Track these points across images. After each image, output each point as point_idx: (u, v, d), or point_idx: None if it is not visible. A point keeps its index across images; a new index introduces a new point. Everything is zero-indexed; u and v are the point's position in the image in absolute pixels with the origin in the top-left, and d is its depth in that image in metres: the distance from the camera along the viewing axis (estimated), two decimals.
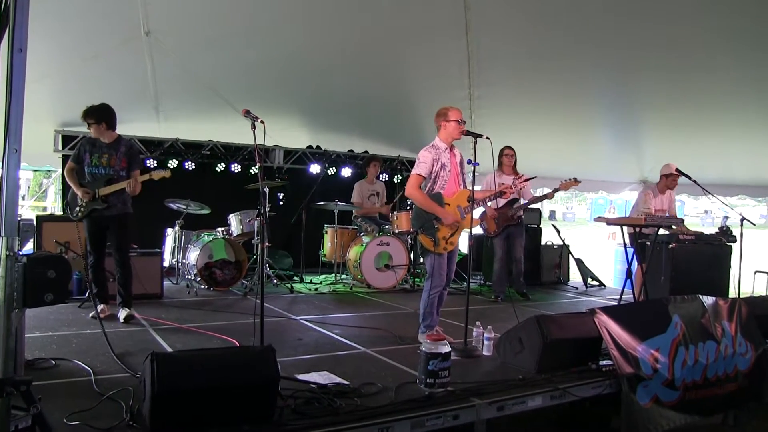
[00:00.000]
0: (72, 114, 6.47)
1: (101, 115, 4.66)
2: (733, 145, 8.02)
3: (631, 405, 3.34)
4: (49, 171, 13.28)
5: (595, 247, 15.17)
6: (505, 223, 6.51)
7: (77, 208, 4.72)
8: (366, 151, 9.02)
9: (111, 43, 6.16)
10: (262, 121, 3.66)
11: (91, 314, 4.70)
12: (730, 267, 6.30)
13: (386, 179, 8.86)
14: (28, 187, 24.08)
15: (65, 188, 6.69)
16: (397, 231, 6.97)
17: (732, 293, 6.07)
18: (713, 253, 6.20)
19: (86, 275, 4.97)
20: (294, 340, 4.33)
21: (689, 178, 6.30)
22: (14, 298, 2.19)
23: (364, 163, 8.06)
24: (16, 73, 2.17)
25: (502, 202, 6.24)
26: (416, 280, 7.23)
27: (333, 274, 7.42)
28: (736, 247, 6.29)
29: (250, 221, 6.60)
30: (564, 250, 8.27)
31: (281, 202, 7.82)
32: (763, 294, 6.28)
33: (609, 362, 3.48)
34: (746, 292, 6.66)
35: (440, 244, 4.19)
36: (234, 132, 7.70)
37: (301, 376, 3.25)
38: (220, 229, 6.61)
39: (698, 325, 3.79)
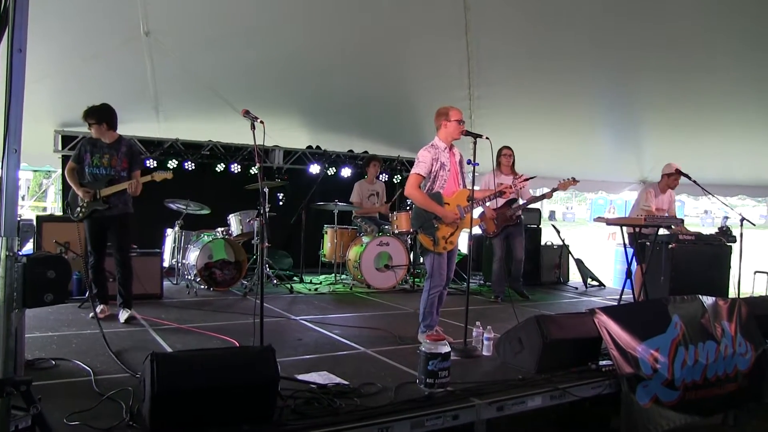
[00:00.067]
0: (72, 114, 6.48)
1: (102, 115, 4.66)
2: (733, 145, 8.03)
3: (630, 405, 3.34)
4: (49, 171, 13.29)
5: (594, 247, 15.17)
6: (504, 223, 6.51)
7: (78, 209, 4.71)
8: (366, 151, 9.02)
9: (111, 43, 6.15)
10: (261, 122, 3.66)
11: (90, 315, 4.70)
12: (729, 267, 6.30)
13: (386, 179, 8.87)
14: (28, 188, 24.11)
15: (65, 188, 6.70)
16: (396, 231, 6.98)
17: (732, 293, 6.07)
18: (713, 253, 6.20)
19: (86, 275, 4.97)
20: (294, 340, 4.33)
21: (689, 178, 6.30)
22: (14, 299, 2.19)
23: (364, 164, 8.06)
24: (15, 73, 2.17)
25: (500, 202, 6.24)
26: (416, 280, 7.24)
27: (333, 275, 7.41)
28: (735, 247, 6.29)
29: (249, 221, 6.60)
30: (564, 250, 8.27)
31: (281, 203, 7.82)
32: (763, 294, 6.28)
33: (609, 362, 3.48)
34: (746, 292, 6.66)
35: (440, 244, 4.19)
36: (234, 132, 7.70)
37: (300, 377, 3.25)
38: (219, 229, 6.60)
39: (698, 325, 3.79)
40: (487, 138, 4.16)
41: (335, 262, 7.29)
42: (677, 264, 5.94)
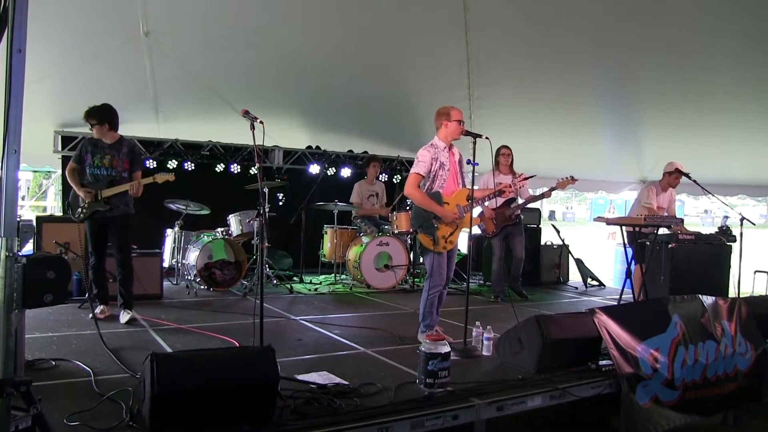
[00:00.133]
0: (72, 114, 6.48)
1: (103, 115, 4.65)
2: (733, 145, 8.03)
3: (630, 405, 3.34)
4: (49, 172, 13.28)
5: (594, 247, 15.18)
6: (503, 223, 6.51)
7: (79, 210, 4.71)
8: (365, 152, 9.02)
9: (111, 43, 6.16)
10: (261, 122, 3.66)
11: (90, 315, 4.70)
12: (729, 267, 6.30)
13: (386, 179, 8.87)
14: (28, 188, 24.13)
15: (65, 189, 6.70)
16: (396, 231, 6.98)
17: (732, 293, 6.07)
18: (713, 252, 6.20)
19: (86, 276, 4.97)
20: (294, 340, 4.33)
21: (689, 177, 6.31)
22: (14, 299, 2.19)
23: (364, 164, 8.06)
24: (15, 73, 2.17)
25: (499, 201, 6.24)
26: (416, 280, 7.24)
27: (332, 275, 7.41)
28: (735, 246, 6.29)
29: (249, 222, 6.60)
30: (564, 250, 8.27)
31: (281, 203, 7.81)
32: (763, 294, 6.28)
33: (608, 362, 3.48)
34: (746, 291, 6.65)
35: (439, 243, 4.19)
36: (233, 132, 7.70)
37: (300, 377, 3.25)
38: (219, 229, 6.60)
39: (698, 325, 3.79)
40: (486, 138, 4.17)
41: (335, 262, 7.29)
42: (677, 263, 5.94)
